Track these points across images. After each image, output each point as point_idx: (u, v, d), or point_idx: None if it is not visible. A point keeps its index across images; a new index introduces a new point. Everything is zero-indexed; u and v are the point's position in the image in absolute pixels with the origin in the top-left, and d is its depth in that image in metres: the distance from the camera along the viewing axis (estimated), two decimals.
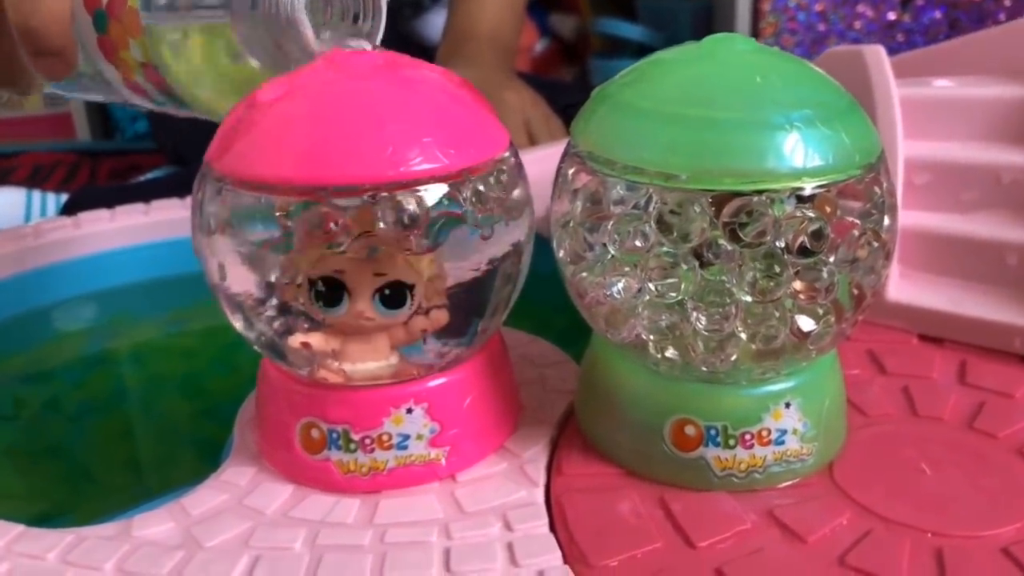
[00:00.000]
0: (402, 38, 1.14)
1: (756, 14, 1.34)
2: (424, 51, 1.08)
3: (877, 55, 0.51)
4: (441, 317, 0.38)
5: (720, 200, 0.32)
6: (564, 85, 1.05)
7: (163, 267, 0.69)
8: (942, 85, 0.52)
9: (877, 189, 0.34)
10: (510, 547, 0.34)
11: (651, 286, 0.34)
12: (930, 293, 0.48)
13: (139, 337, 0.66)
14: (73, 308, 0.66)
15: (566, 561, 0.33)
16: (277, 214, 0.34)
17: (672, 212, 0.33)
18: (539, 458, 0.39)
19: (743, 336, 0.34)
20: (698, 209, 0.32)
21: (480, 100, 0.38)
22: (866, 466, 0.38)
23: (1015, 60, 0.52)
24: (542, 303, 0.53)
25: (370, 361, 0.38)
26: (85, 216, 0.69)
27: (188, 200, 0.71)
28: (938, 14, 1.36)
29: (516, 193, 0.38)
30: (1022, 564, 0.32)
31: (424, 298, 0.37)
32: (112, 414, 0.57)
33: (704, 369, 0.35)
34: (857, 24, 1.36)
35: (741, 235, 0.32)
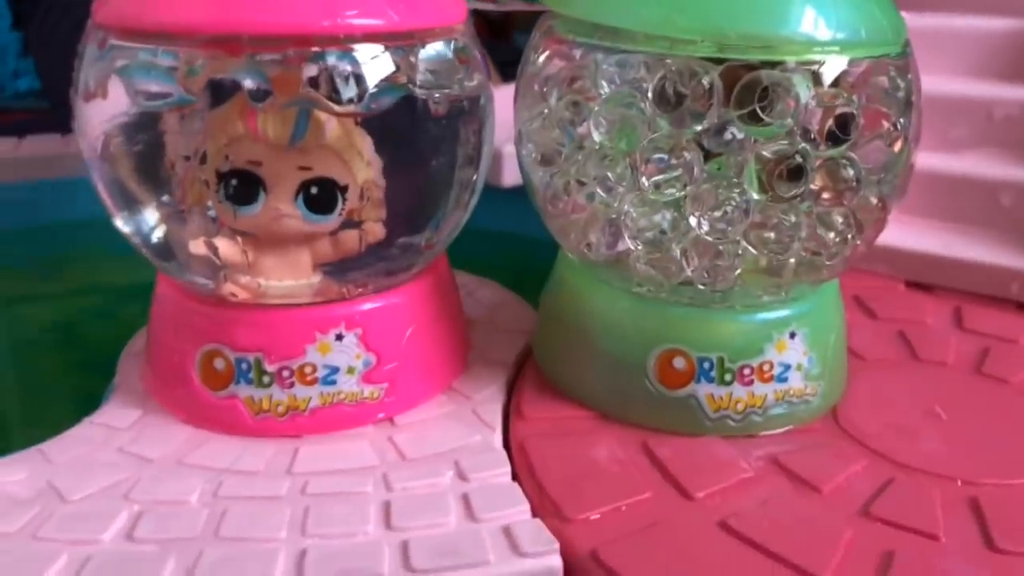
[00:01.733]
0: None
1: None
2: None
3: None
4: (377, 231, 0.31)
5: (730, 74, 0.27)
6: (499, 46, 0.99)
7: (36, 210, 0.59)
8: (927, 15, 0.48)
9: (901, 81, 0.29)
10: (465, 499, 0.27)
11: (645, 180, 0.28)
12: (918, 236, 0.44)
13: (5, 287, 0.56)
14: None
15: (536, 514, 0.27)
16: (176, 73, 0.27)
17: (674, 90, 0.27)
18: (494, 400, 0.33)
19: (751, 247, 0.29)
20: (708, 83, 0.26)
21: None
22: (874, 411, 0.33)
23: None
24: (480, 258, 0.47)
25: (287, 278, 0.31)
26: None
27: (70, 137, 0.62)
28: None
29: (473, 80, 0.31)
30: None
31: (358, 207, 0.31)
32: None
33: (701, 287, 0.29)
34: None
35: (762, 115, 0.26)
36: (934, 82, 0.46)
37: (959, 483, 0.29)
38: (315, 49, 0.26)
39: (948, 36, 0.47)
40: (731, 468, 0.29)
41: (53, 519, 0.26)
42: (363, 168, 0.30)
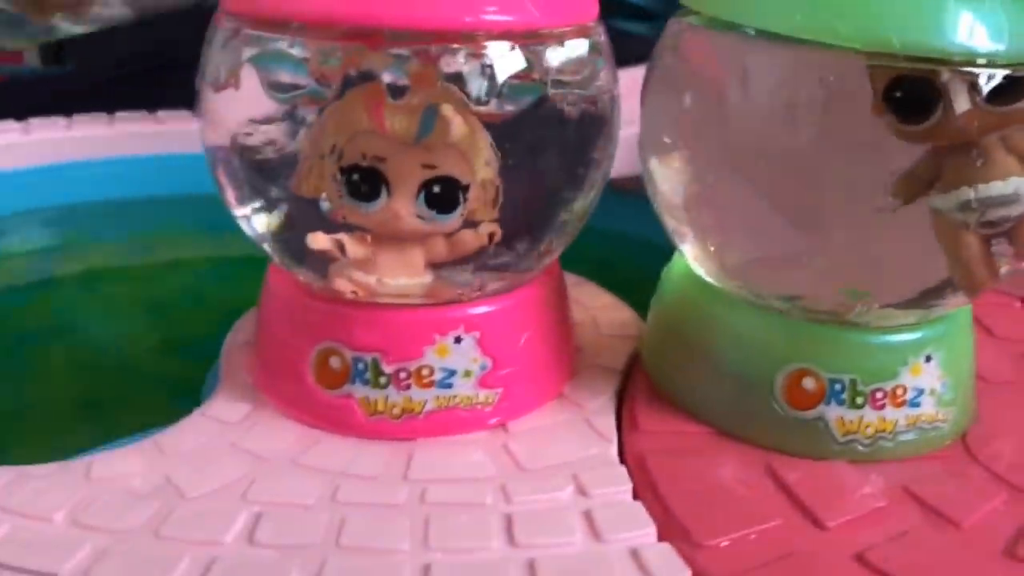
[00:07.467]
0: None
1: None
2: None
3: None
4: (494, 232, 0.30)
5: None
6: None
7: (126, 186, 0.59)
8: None
9: None
10: (588, 516, 0.26)
11: None
12: None
13: (94, 261, 0.57)
14: (19, 224, 0.57)
15: (662, 537, 0.26)
16: (309, 66, 0.26)
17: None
18: (607, 410, 0.32)
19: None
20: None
21: None
22: (1006, 439, 0.31)
23: None
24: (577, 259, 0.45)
25: (401, 276, 0.30)
26: (37, 122, 0.59)
27: (158, 114, 0.62)
28: None
29: (603, 79, 0.30)
30: None
31: (477, 208, 0.30)
32: (62, 346, 0.48)
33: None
34: None
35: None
36: None
37: None
38: (456, 46, 0.25)
39: None
40: (862, 496, 0.28)
41: (173, 517, 0.25)
42: (483, 168, 0.29)
